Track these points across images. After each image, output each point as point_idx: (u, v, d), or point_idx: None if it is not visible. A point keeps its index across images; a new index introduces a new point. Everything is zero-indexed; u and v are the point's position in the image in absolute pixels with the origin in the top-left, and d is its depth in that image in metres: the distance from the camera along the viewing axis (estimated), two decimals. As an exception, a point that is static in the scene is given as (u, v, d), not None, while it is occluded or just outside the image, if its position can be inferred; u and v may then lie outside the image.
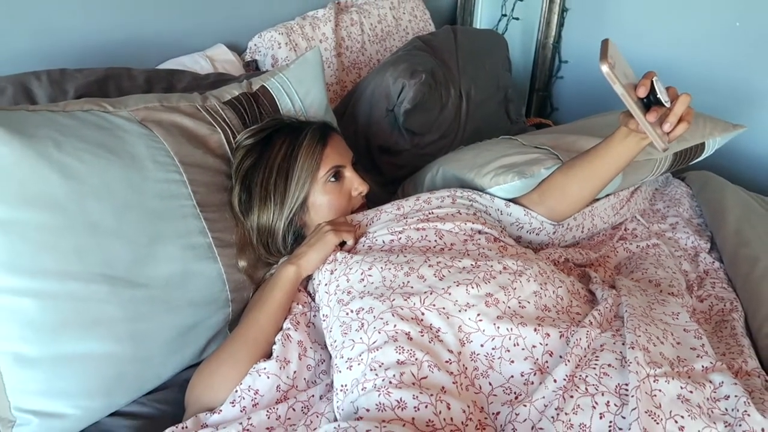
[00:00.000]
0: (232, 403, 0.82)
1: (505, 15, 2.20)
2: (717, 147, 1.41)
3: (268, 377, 0.83)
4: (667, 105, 0.84)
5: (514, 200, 1.12)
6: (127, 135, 0.92)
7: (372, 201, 1.15)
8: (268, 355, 0.88)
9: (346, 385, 0.78)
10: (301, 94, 1.21)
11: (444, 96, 1.45)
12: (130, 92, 1.12)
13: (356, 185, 1.08)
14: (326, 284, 0.91)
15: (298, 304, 0.94)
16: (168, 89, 1.18)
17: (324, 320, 0.90)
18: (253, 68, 1.55)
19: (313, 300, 0.96)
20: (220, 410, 0.81)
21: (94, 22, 1.28)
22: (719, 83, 1.80)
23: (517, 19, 2.18)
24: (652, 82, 0.83)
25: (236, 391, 0.82)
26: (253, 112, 1.14)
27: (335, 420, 0.79)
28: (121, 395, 0.87)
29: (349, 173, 1.08)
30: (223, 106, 1.10)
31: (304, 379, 0.87)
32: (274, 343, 0.88)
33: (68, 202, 0.82)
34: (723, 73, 1.80)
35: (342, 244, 1.00)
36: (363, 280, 0.87)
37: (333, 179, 1.06)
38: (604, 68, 0.79)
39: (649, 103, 0.84)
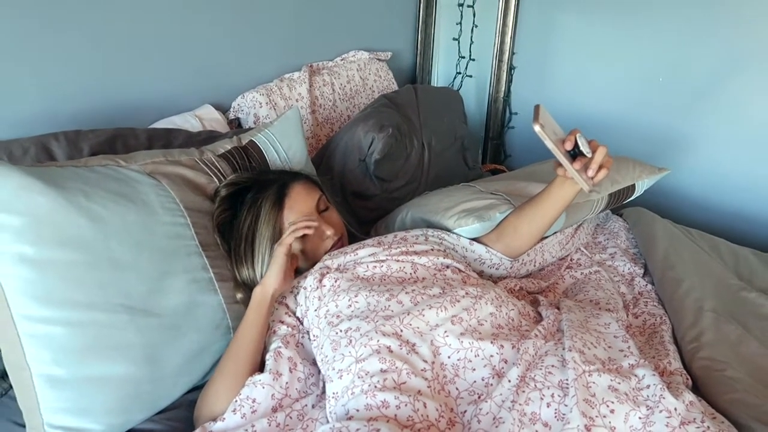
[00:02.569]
0: (233, 411, 0.95)
1: (459, 73, 2.44)
2: (646, 188, 1.62)
3: (263, 387, 0.97)
4: (589, 155, 1.00)
5: (476, 239, 1.29)
6: (139, 185, 1.07)
7: (351, 236, 1.30)
8: (262, 369, 1.02)
9: (337, 393, 0.92)
10: (285, 147, 1.38)
11: (408, 147, 1.64)
12: (135, 149, 1.26)
13: (324, 230, 1.19)
14: (315, 309, 1.06)
15: (287, 326, 1.08)
16: (167, 145, 1.33)
17: (314, 340, 1.04)
18: (236, 125, 1.71)
19: (302, 323, 1.10)
20: (224, 418, 0.94)
21: (95, 86, 1.41)
22: (647, 130, 2.04)
23: (471, 76, 2.42)
24: (575, 137, 1.00)
25: (236, 401, 0.96)
26: (244, 163, 1.30)
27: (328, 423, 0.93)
28: (138, 412, 0.98)
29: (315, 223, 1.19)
30: (218, 158, 1.26)
31: (296, 389, 1.00)
32: (267, 360, 1.02)
33: (94, 242, 0.95)
34: (649, 121, 2.04)
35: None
36: (350, 306, 1.02)
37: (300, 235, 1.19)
38: (537, 128, 0.96)
39: (575, 154, 1.01)
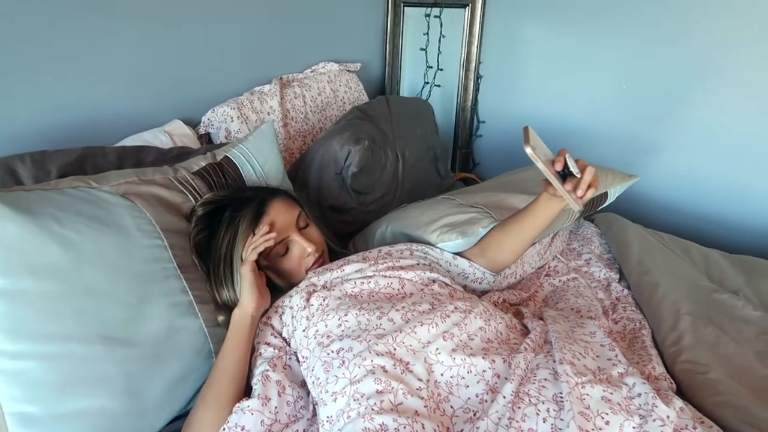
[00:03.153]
0: None
1: (427, 83, 2.44)
2: (618, 194, 1.65)
3: (252, 414, 0.93)
4: (578, 175, 1.02)
5: (459, 253, 1.28)
6: (113, 207, 1.02)
7: (331, 252, 1.28)
8: (248, 395, 0.98)
9: (331, 416, 0.89)
10: (260, 162, 1.35)
11: (383, 158, 1.63)
12: (105, 168, 1.21)
13: (305, 247, 1.17)
14: (304, 329, 1.03)
15: (273, 348, 1.05)
16: (138, 164, 1.28)
17: (303, 361, 1.01)
18: (206, 140, 1.67)
19: (288, 344, 1.07)
20: None
21: (59, 103, 1.36)
22: (615, 138, 2.08)
23: (439, 86, 2.43)
24: (565, 158, 1.01)
25: (224, 429, 0.92)
26: (219, 180, 1.26)
27: None
28: (118, 448, 0.94)
29: (295, 238, 1.17)
30: (192, 176, 1.22)
31: (286, 413, 0.97)
32: (254, 384, 0.98)
33: (68, 269, 0.90)
34: (614, 128, 2.08)
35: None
36: (341, 325, 1.00)
37: (282, 253, 1.17)
38: (528, 150, 0.97)
39: (564, 174, 1.03)
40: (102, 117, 1.45)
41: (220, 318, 1.10)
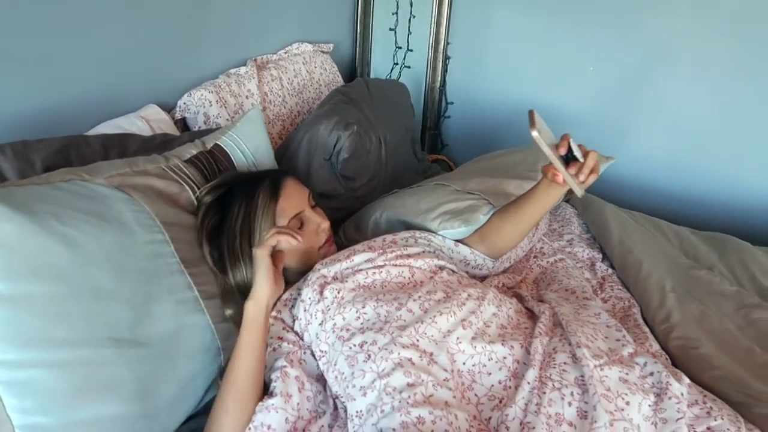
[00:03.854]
0: None
1: (397, 63, 2.42)
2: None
3: (277, 411, 0.91)
4: (581, 160, 1.01)
5: (459, 241, 1.28)
6: (111, 201, 0.96)
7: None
8: (267, 392, 0.96)
9: (361, 411, 0.88)
10: (251, 149, 1.30)
11: (368, 143, 1.60)
12: (90, 158, 1.14)
13: (319, 223, 1.17)
14: (320, 323, 1.01)
15: (288, 343, 1.02)
16: (122, 153, 1.21)
17: (322, 356, 0.99)
18: (181, 126, 1.60)
19: (302, 339, 1.05)
20: None
21: (27, 90, 1.27)
22: (583, 120, 2.13)
23: (409, 67, 2.41)
24: (569, 142, 1.01)
25: (250, 429, 0.90)
26: (212, 168, 1.21)
27: None
28: (133, 453, 0.90)
29: (309, 214, 1.17)
30: (185, 164, 1.17)
31: (307, 409, 0.96)
32: (273, 381, 0.96)
33: (72, 270, 0.85)
34: (584, 111, 2.13)
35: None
36: (359, 317, 0.99)
37: (297, 227, 1.15)
38: (534, 134, 0.96)
39: (568, 159, 1.02)
40: (72, 103, 1.37)
41: (228, 312, 1.06)
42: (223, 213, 1.13)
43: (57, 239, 0.84)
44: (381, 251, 1.13)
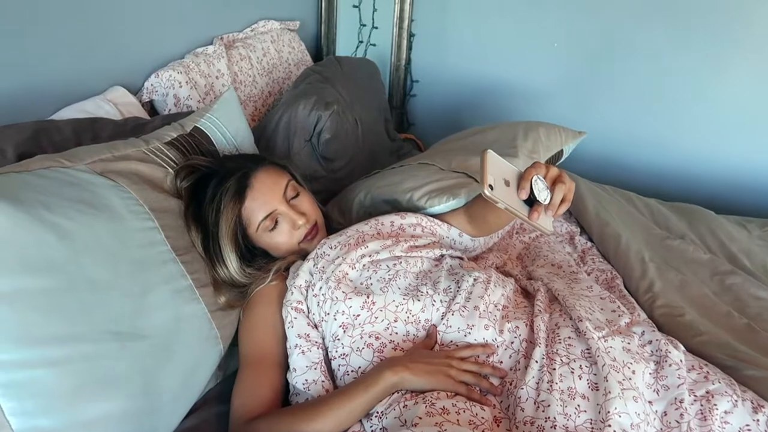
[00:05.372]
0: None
1: (362, 41, 2.38)
2: (570, 151, 1.72)
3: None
4: (545, 202, 0.88)
5: (451, 224, 1.25)
6: (97, 188, 0.91)
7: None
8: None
9: (378, 411, 0.88)
10: (231, 131, 1.26)
11: (346, 123, 1.57)
12: (62, 145, 1.07)
13: (294, 220, 1.10)
14: (350, 326, 0.98)
15: (317, 347, 1.00)
16: (95, 138, 1.14)
17: (341, 358, 0.97)
18: (148, 108, 1.52)
19: (315, 329, 1.03)
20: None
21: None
22: (551, 94, 2.17)
23: (374, 45, 2.38)
24: (530, 183, 0.87)
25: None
26: (194, 151, 1.16)
27: None
28: (140, 451, 0.86)
29: (283, 210, 1.10)
30: (166, 146, 1.11)
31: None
32: (306, 390, 0.96)
33: (66, 262, 0.79)
34: (551, 85, 2.16)
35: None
36: (388, 328, 0.98)
37: (271, 227, 1.10)
38: (487, 192, 0.84)
39: (531, 201, 0.89)
40: (30, 87, 1.28)
41: (221, 299, 1.03)
42: (198, 202, 1.08)
43: (48, 229, 0.78)
44: (394, 239, 1.11)
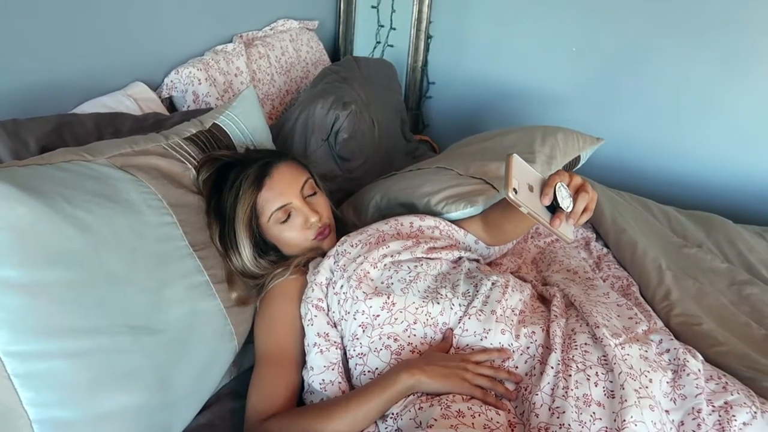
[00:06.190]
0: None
1: (379, 42, 2.38)
2: (587, 157, 1.71)
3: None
4: (567, 209, 0.88)
5: (467, 229, 1.25)
6: (117, 183, 0.91)
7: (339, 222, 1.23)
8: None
9: (394, 413, 0.87)
10: (250, 129, 1.26)
11: (363, 123, 1.57)
12: (84, 138, 1.08)
13: (307, 216, 1.10)
14: (369, 326, 0.98)
15: (336, 348, 1.00)
16: (116, 133, 1.15)
17: (359, 357, 0.97)
18: (167, 105, 1.53)
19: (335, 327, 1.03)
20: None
21: (7, 67, 1.19)
22: (569, 99, 2.15)
23: (392, 46, 2.38)
24: (554, 190, 0.88)
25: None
26: (212, 147, 1.17)
27: None
28: (154, 445, 0.86)
29: (297, 205, 1.11)
30: (185, 141, 1.12)
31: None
32: (324, 390, 0.96)
33: (85, 255, 0.80)
34: (567, 91, 2.15)
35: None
36: (407, 330, 0.97)
37: (283, 219, 1.11)
38: (511, 195, 0.83)
39: (555, 207, 0.89)
40: (54, 81, 1.29)
41: (233, 295, 1.03)
42: (220, 193, 1.10)
43: (69, 222, 0.79)
44: (414, 240, 1.11)
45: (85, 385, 0.77)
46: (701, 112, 1.94)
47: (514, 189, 0.84)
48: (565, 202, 0.88)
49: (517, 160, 0.87)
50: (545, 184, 0.89)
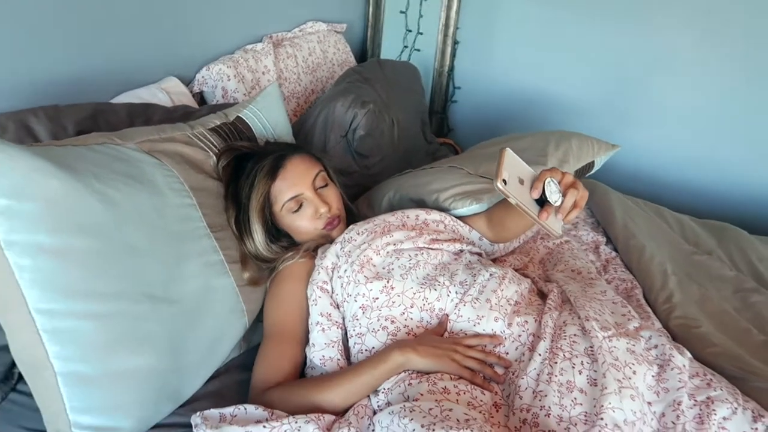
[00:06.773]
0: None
1: (406, 46, 2.44)
2: (602, 163, 1.73)
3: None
4: (556, 203, 0.92)
5: (472, 226, 1.30)
6: (143, 165, 1.00)
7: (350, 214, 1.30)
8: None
9: (386, 388, 0.93)
10: (272, 123, 1.34)
11: (382, 122, 1.64)
12: (117, 125, 1.17)
13: (317, 206, 1.17)
14: (369, 308, 1.04)
15: (337, 327, 1.06)
16: (146, 122, 1.24)
17: (358, 337, 1.04)
18: (198, 99, 1.63)
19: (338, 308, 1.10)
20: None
21: (43, 60, 1.29)
22: (590, 107, 2.17)
23: (419, 50, 2.44)
24: (543, 185, 0.91)
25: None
26: (234, 137, 1.25)
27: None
28: (165, 405, 0.94)
29: (309, 196, 1.17)
30: (209, 131, 1.20)
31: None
32: (323, 365, 1.02)
33: (110, 228, 0.88)
34: (588, 99, 2.17)
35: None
36: (404, 313, 1.03)
37: (294, 209, 1.17)
38: (499, 185, 0.86)
39: (543, 201, 0.92)
40: (94, 73, 1.39)
41: (246, 275, 1.10)
42: (237, 180, 1.17)
43: (96, 197, 0.87)
44: (418, 232, 1.17)
45: (104, 344, 0.85)
46: (721, 123, 1.94)
47: (504, 180, 0.87)
48: (553, 196, 0.91)
49: (509, 153, 0.91)
50: (536, 179, 0.93)
